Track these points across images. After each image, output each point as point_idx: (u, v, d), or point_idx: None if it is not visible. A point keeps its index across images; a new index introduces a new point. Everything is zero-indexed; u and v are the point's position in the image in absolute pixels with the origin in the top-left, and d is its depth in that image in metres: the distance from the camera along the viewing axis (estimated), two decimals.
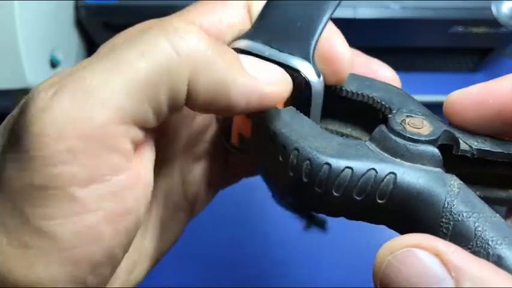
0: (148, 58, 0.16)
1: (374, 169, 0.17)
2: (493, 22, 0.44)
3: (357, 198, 0.17)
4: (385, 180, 0.17)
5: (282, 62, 0.19)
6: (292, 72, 0.19)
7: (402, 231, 0.18)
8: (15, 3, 0.36)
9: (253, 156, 0.21)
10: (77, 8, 0.43)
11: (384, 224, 0.19)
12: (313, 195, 0.17)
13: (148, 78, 0.16)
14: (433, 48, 0.51)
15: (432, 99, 0.54)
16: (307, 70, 0.19)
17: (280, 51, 0.19)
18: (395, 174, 0.17)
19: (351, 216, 0.19)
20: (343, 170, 0.17)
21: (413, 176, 0.17)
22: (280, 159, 0.18)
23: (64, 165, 0.15)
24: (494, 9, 0.44)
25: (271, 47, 0.19)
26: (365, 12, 0.44)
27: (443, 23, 0.45)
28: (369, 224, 0.21)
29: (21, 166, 0.16)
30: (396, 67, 0.54)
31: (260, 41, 0.20)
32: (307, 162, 0.17)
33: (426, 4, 0.44)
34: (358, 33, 0.46)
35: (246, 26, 0.21)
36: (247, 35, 0.20)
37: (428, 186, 0.17)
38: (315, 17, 0.20)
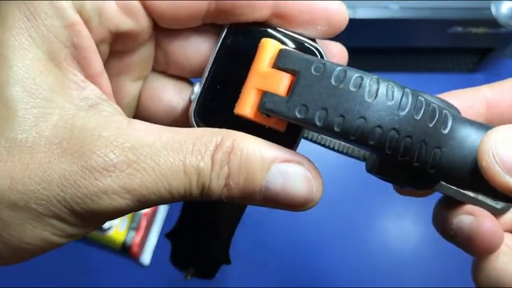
0: None
1: None
2: (493, 22, 0.45)
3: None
4: None
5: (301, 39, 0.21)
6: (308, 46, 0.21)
7: None
8: None
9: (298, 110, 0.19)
10: None
11: None
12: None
13: None
14: (432, 49, 0.51)
15: None
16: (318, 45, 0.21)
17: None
18: None
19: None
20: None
21: None
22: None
23: None
24: (493, 10, 0.44)
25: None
26: (365, 12, 0.44)
27: (443, 24, 0.45)
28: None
29: None
30: (396, 67, 0.54)
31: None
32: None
33: (425, 4, 0.44)
34: (358, 33, 0.46)
35: None
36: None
37: None
38: None
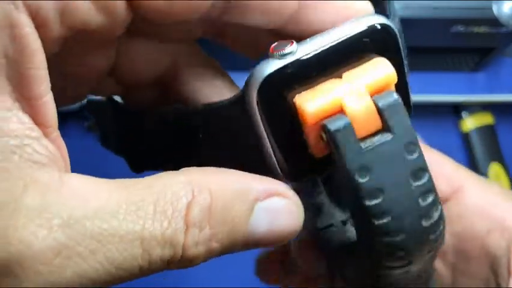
0: None
1: None
2: (494, 22, 0.44)
3: None
4: None
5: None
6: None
7: None
8: None
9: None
10: None
11: None
12: None
13: None
14: (434, 48, 0.51)
15: (433, 99, 0.54)
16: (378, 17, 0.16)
17: None
18: None
19: None
20: None
21: None
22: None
23: None
24: (495, 9, 0.44)
25: None
26: None
27: (444, 23, 0.45)
28: None
29: None
30: None
31: None
32: None
33: (427, 3, 0.44)
34: None
35: None
36: None
37: None
38: None
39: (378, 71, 0.15)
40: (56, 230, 0.12)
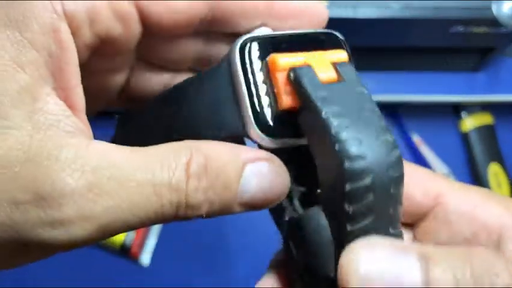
0: None
1: None
2: (494, 22, 0.44)
3: None
4: None
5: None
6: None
7: None
8: None
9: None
10: None
11: None
12: None
13: None
14: (434, 48, 0.51)
15: (433, 99, 0.54)
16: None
17: None
18: None
19: None
20: None
21: None
22: None
23: None
24: (494, 9, 0.44)
25: None
26: (366, 11, 0.44)
27: (444, 23, 0.45)
28: None
29: None
30: (397, 67, 0.54)
31: None
32: None
33: (426, 4, 0.44)
34: (358, 32, 0.46)
35: None
36: None
37: None
38: None
39: (336, 53, 0.20)
40: (87, 173, 0.16)
